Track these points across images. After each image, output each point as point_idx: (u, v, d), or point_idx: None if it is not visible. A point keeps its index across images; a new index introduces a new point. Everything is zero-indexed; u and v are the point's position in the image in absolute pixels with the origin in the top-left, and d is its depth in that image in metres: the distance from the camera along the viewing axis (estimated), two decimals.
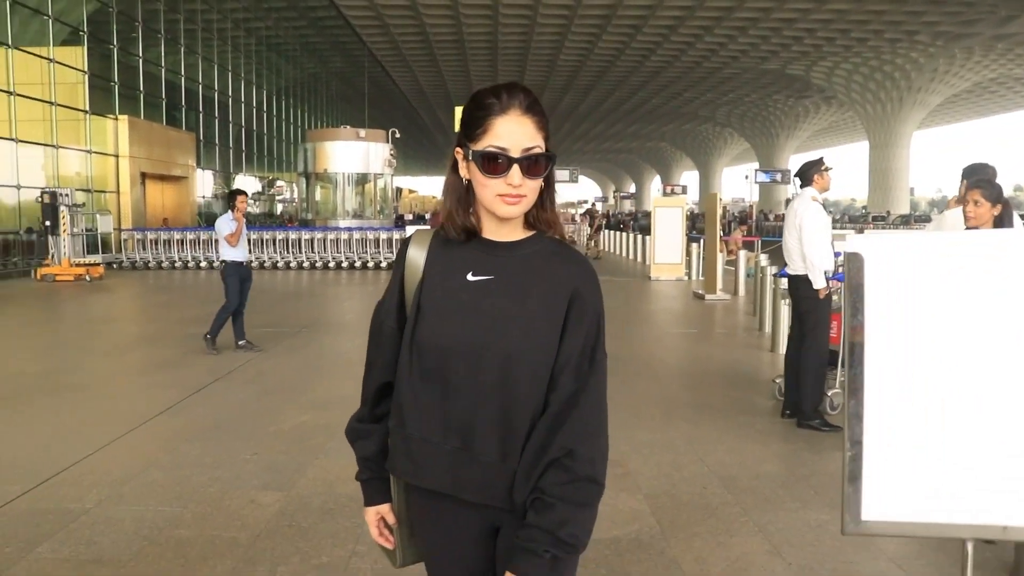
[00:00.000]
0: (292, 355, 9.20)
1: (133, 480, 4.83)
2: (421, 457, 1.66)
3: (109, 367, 8.89)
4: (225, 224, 9.39)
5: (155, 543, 3.92)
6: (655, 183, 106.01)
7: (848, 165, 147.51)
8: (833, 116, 65.46)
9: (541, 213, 1.71)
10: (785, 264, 6.32)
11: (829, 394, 6.44)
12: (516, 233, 1.72)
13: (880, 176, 53.44)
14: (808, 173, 6.15)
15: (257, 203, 41.22)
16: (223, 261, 9.58)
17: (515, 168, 1.60)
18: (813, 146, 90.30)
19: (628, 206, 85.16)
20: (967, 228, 4.43)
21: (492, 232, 1.71)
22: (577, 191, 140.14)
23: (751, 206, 50.02)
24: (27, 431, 6.00)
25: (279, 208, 44.90)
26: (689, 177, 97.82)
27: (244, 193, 9.85)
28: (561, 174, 38.44)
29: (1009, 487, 1.12)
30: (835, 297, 6.63)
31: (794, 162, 72.29)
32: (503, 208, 1.64)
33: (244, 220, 9.54)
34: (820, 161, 6.23)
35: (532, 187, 1.63)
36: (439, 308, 1.69)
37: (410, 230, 20.27)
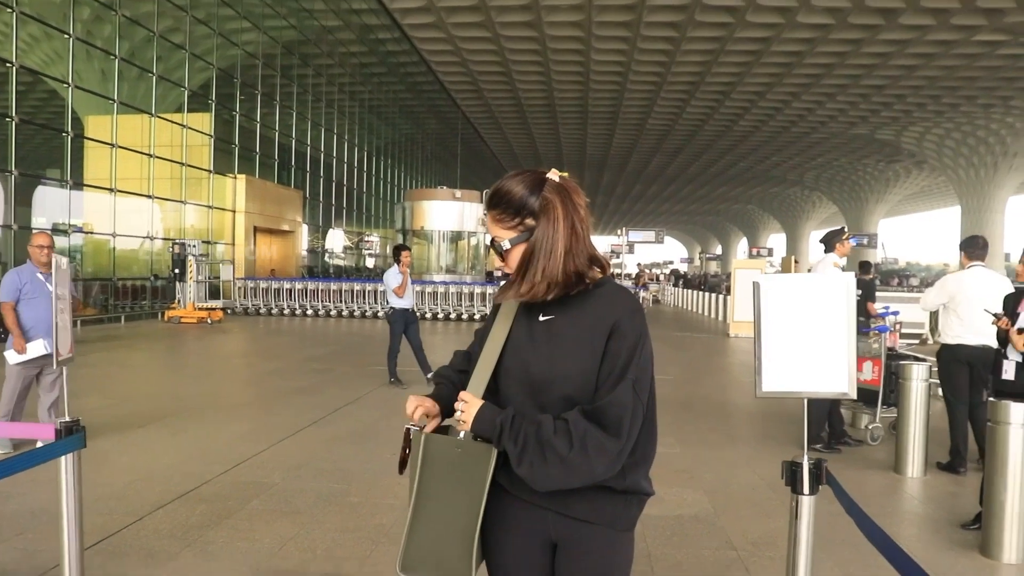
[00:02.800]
0: (408, 386, 10.52)
1: (304, 467, 6.22)
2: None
3: (255, 392, 10.41)
4: (393, 277, 10.74)
5: (333, 504, 5.28)
6: (741, 245, 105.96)
7: (940, 230, 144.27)
8: (925, 181, 64.55)
9: (527, 280, 1.92)
10: None
11: (870, 427, 7.55)
12: None
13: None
14: (831, 241, 7.36)
15: (346, 257, 43.07)
16: (392, 308, 10.94)
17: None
18: (903, 211, 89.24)
19: (714, 267, 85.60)
20: (1017, 285, 5.53)
21: None
22: (663, 251, 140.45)
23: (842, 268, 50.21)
24: (209, 435, 7.45)
25: (371, 262, 46.51)
26: (776, 240, 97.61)
27: (408, 249, 11.17)
28: (647, 235, 39.34)
29: (810, 377, 2.34)
30: (875, 345, 7.74)
31: (883, 226, 71.90)
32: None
33: (408, 272, 10.85)
34: (842, 230, 7.44)
35: (513, 266, 1.95)
36: (517, 341, 1.97)
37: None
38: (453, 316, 23.86)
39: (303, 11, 32.89)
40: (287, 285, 25.06)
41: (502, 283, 2.07)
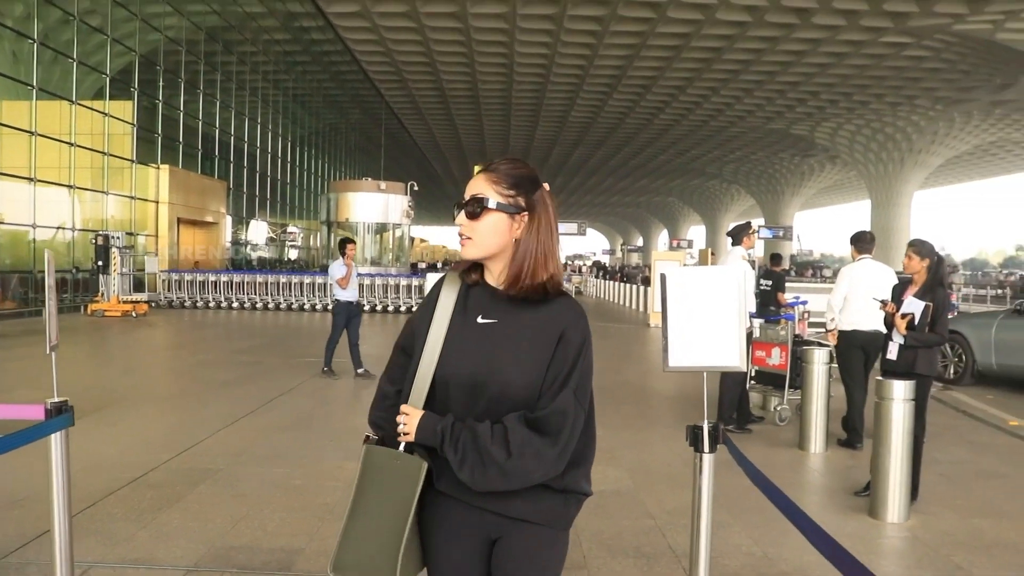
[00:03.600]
0: (340, 377, 10.79)
1: (245, 453, 6.48)
2: (436, 465, 1.93)
3: (187, 384, 10.52)
4: (337, 269, 10.95)
5: (277, 487, 5.58)
6: (663, 237, 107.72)
7: (852, 223, 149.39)
8: (838, 175, 66.32)
9: (511, 266, 1.96)
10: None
11: (778, 409, 8.14)
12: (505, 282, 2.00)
13: (882, 234, 53.59)
14: (739, 235, 7.93)
15: (268, 249, 42.63)
16: (336, 300, 11.17)
17: (461, 212, 1.97)
18: (818, 203, 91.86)
19: (636, 259, 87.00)
20: (904, 274, 6.06)
21: (489, 278, 2.03)
22: (586, 244, 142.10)
23: (753, 261, 51.62)
24: (147, 425, 7.64)
25: (294, 254, 45.84)
26: (696, 231, 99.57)
27: (353, 242, 11.41)
28: (569, 227, 39.67)
29: (708, 354, 2.76)
30: (782, 332, 8.31)
31: (799, 219, 73.98)
32: (461, 249, 1.99)
33: (353, 264, 11.06)
34: (748, 225, 8.02)
35: (480, 231, 1.95)
36: (454, 344, 1.96)
37: (431, 278, 21.93)
38: (379, 308, 24.01)
39: None
40: (212, 278, 24.87)
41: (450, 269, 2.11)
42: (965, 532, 5.03)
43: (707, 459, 2.86)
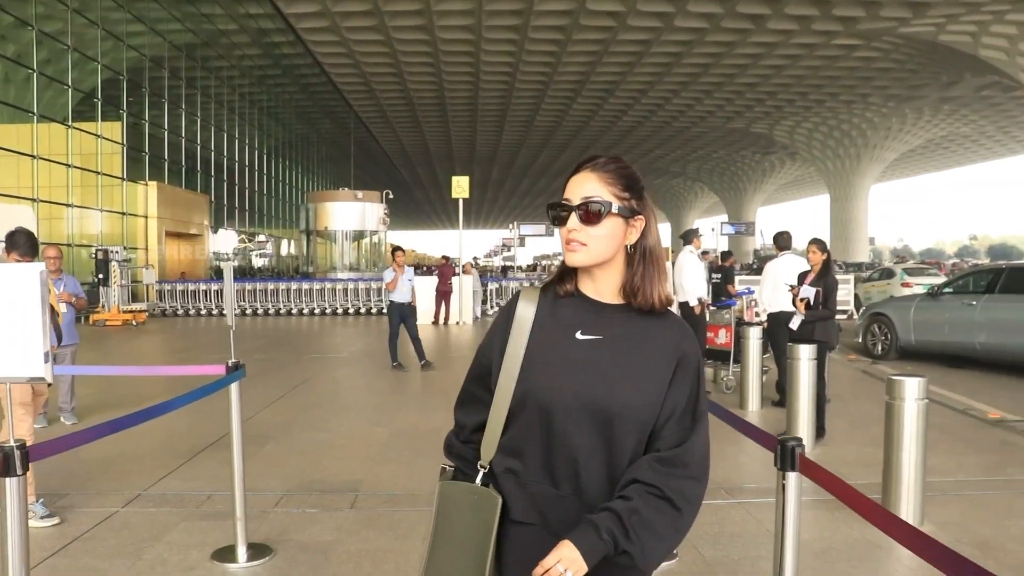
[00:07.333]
0: (346, 369, 12.27)
1: (291, 423, 7.97)
2: (538, 500, 1.76)
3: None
4: (388, 274, 12.38)
5: (326, 446, 7.08)
6: None
7: (812, 217, 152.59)
8: (797, 171, 68.13)
9: (633, 279, 1.78)
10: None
11: (724, 379, 9.78)
12: (610, 295, 1.82)
13: (841, 227, 55.33)
14: (689, 237, 9.76)
15: (236, 258, 43.13)
16: (389, 302, 12.56)
17: (572, 216, 1.75)
18: (779, 199, 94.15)
19: None
20: (811, 267, 7.70)
21: (587, 288, 1.83)
22: (554, 244, 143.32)
23: (716, 258, 53.17)
24: (197, 409, 9.02)
25: (262, 262, 45.63)
26: (662, 229, 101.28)
27: (401, 250, 12.70)
28: (537, 228, 40.97)
29: None
30: (727, 315, 9.95)
31: (761, 214, 75.94)
32: (567, 255, 1.78)
33: (403, 270, 12.30)
34: (696, 230, 9.79)
35: (597, 236, 1.75)
36: (548, 363, 1.76)
37: (417, 280, 23.15)
38: (364, 311, 25.23)
39: (199, 15, 33.81)
40: (203, 287, 26.09)
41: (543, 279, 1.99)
42: (855, 456, 6.67)
43: None
